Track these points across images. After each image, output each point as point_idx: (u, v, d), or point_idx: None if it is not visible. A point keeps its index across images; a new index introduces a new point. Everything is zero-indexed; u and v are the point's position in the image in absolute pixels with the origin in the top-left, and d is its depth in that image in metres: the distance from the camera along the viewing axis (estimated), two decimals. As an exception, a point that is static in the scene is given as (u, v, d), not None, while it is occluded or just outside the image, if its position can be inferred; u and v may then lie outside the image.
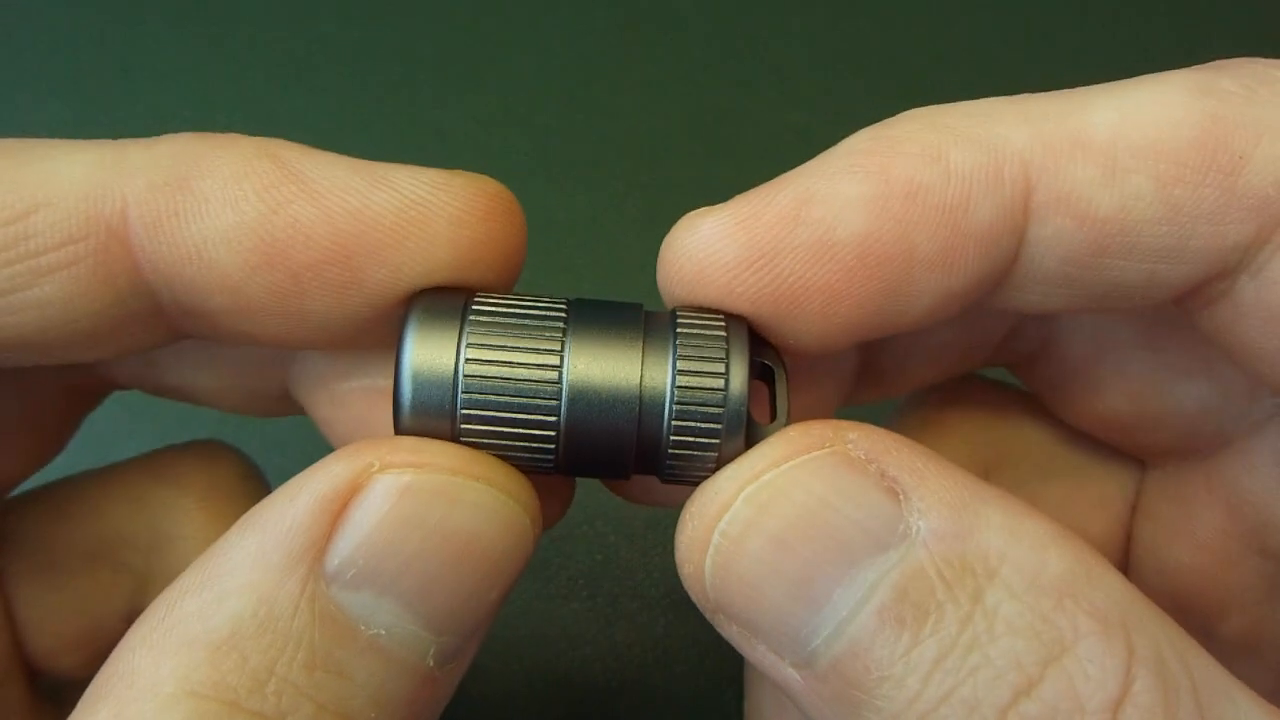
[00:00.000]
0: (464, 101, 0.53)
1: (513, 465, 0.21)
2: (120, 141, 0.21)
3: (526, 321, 0.21)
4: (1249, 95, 0.20)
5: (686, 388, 0.20)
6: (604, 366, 0.21)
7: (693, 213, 0.21)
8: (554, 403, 0.20)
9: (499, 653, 0.41)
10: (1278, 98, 0.20)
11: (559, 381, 0.20)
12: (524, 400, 0.20)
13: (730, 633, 0.20)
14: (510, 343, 0.20)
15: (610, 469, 0.21)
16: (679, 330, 0.21)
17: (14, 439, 0.27)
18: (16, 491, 0.29)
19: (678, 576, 0.21)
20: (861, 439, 0.20)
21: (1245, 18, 0.57)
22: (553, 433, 0.21)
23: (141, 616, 0.19)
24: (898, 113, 0.22)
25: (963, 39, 0.56)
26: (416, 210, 0.21)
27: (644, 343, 0.21)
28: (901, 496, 0.19)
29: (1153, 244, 0.20)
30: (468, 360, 0.20)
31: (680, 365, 0.20)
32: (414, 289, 0.21)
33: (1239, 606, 0.27)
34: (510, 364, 0.20)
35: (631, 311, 0.22)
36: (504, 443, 0.21)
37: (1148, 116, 0.20)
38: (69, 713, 0.30)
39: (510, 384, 0.20)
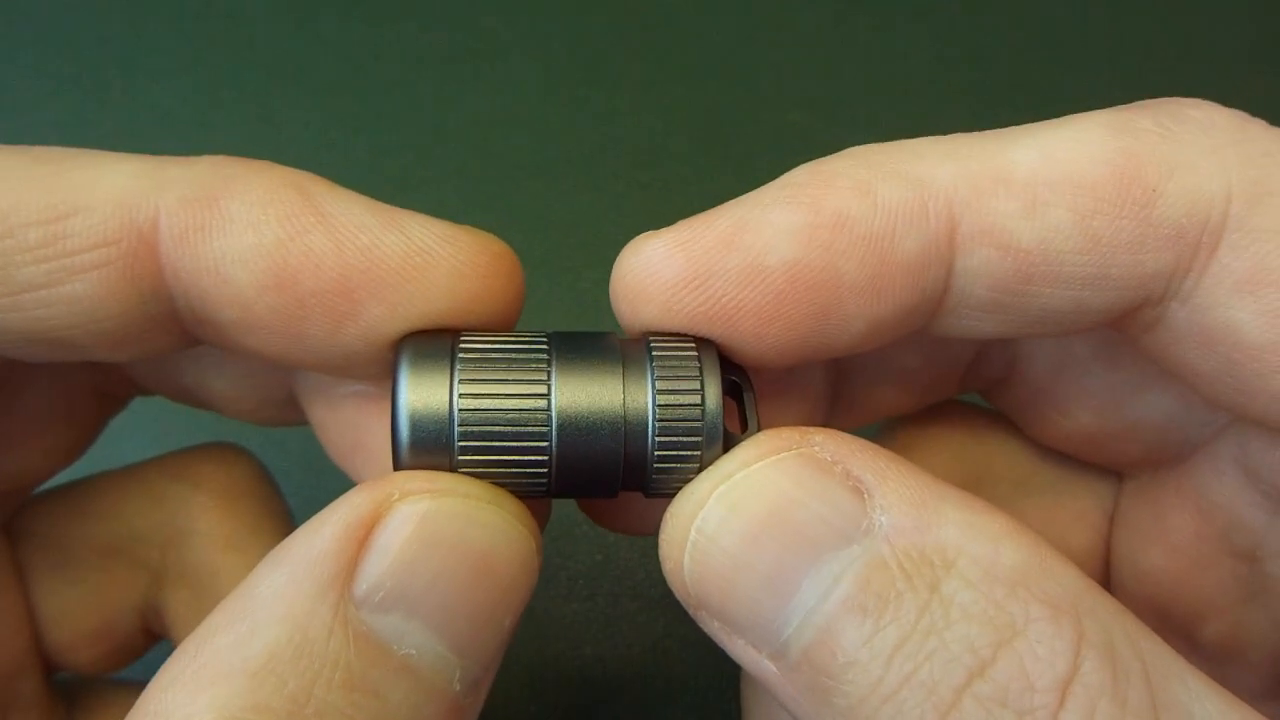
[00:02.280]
0: (464, 101, 0.54)
1: (509, 492, 0.23)
2: (160, 157, 0.23)
3: (513, 357, 0.23)
4: (1163, 133, 0.22)
5: (667, 405, 0.22)
6: (589, 393, 0.22)
7: (640, 235, 0.23)
8: (545, 429, 0.22)
9: (499, 652, 0.42)
10: (1191, 135, 0.22)
11: (548, 410, 0.22)
12: (517, 430, 0.22)
13: (712, 629, 0.22)
14: (500, 378, 0.22)
15: (600, 488, 0.23)
16: (654, 354, 0.23)
17: (44, 436, 0.28)
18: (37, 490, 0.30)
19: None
20: (827, 441, 0.21)
21: (1245, 18, 0.58)
22: (545, 458, 0.22)
23: (170, 658, 0.20)
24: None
25: (962, 39, 0.57)
26: (422, 257, 0.23)
27: (623, 369, 0.23)
28: (865, 494, 0.20)
29: (1075, 273, 0.22)
30: (461, 396, 0.22)
31: (659, 385, 0.22)
32: (407, 330, 0.23)
33: (1217, 610, 0.28)
34: (501, 397, 0.22)
35: (608, 340, 0.24)
36: (500, 471, 0.23)
37: (1066, 153, 0.22)
38: (80, 709, 0.31)
39: (503, 416, 0.22)
